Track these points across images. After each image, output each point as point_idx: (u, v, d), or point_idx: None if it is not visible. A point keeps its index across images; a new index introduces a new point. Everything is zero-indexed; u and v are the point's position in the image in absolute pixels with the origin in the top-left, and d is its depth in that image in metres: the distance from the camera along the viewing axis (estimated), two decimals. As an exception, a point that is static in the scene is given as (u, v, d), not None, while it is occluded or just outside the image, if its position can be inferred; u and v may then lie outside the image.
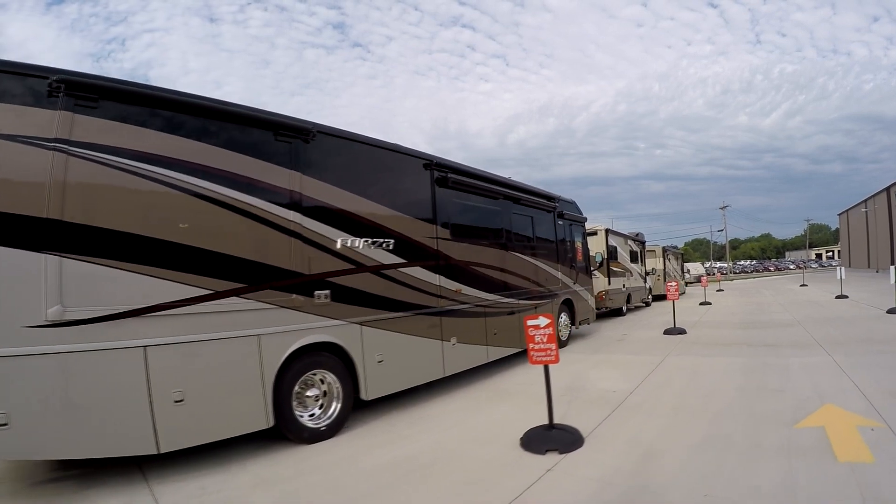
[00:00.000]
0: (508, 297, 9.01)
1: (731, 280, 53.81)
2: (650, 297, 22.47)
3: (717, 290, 30.68)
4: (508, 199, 9.43)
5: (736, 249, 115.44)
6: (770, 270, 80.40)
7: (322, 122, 5.71)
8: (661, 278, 24.47)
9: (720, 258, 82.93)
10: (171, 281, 4.32)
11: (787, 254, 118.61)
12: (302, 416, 5.26)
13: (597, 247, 16.33)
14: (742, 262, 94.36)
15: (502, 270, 8.95)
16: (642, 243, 21.42)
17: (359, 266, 5.94)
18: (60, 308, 3.77)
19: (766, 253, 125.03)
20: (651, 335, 12.43)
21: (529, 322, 4.90)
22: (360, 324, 5.84)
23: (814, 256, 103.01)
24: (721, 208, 72.42)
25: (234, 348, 4.64)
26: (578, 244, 12.52)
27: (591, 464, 4.31)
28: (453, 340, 7.42)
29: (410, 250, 6.72)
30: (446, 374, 7.28)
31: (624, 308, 18.37)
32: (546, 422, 4.98)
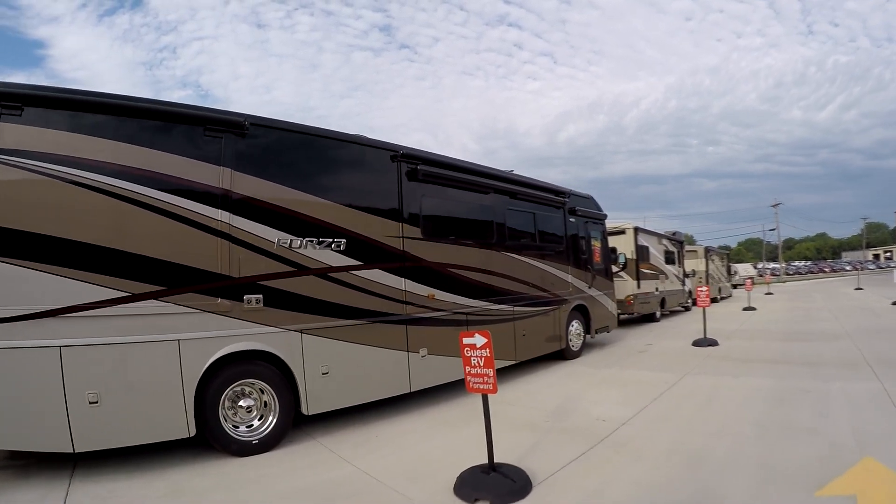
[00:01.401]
0: (500, 304, 8.04)
1: (784, 282, 50.52)
2: (690, 301, 20.77)
3: (766, 294, 28.58)
4: (502, 193, 8.43)
5: (790, 249, 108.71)
6: (825, 272, 75.61)
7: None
8: (703, 281, 22.64)
9: (773, 259, 77.95)
10: (87, 282, 4.23)
11: (842, 254, 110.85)
12: (236, 427, 4.99)
13: (624, 247, 14.98)
14: (796, 262, 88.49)
15: (492, 274, 7.98)
16: (680, 243, 19.74)
17: (300, 268, 5.43)
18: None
19: (822, 253, 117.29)
20: (678, 346, 11.11)
21: (465, 340, 4.05)
22: (300, 332, 5.35)
23: (871, 257, 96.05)
24: (773, 206, 67.84)
25: (151, 352, 4.46)
26: (596, 244, 11.30)
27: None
28: (423, 352, 6.61)
29: (367, 251, 6.08)
30: (413, 389, 6.52)
31: (657, 313, 16.90)
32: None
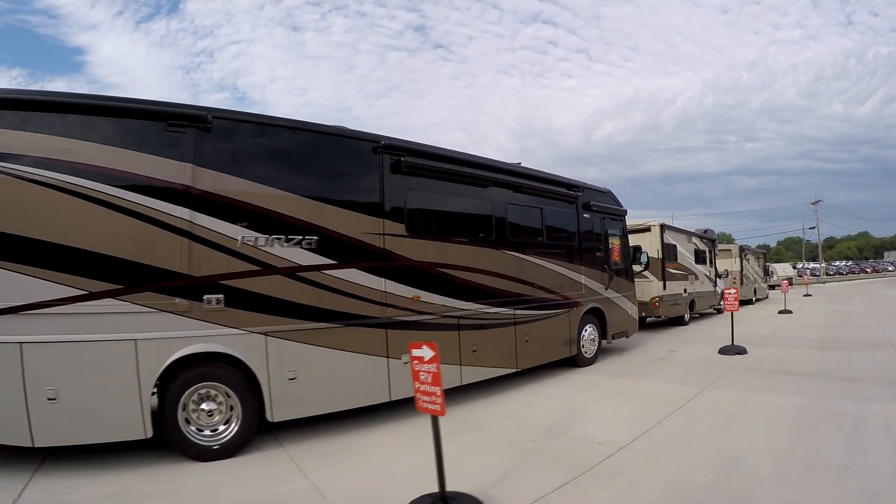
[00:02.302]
0: (499, 307, 7.43)
1: (824, 283, 48.14)
2: (723, 302, 19.57)
3: (805, 296, 27.04)
4: (503, 186, 7.81)
5: (831, 249, 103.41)
6: (866, 272, 71.93)
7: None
8: (738, 281, 21.37)
9: (814, 258, 74.18)
10: (46, 280, 4.22)
11: (885, 254, 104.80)
12: (200, 431, 4.82)
13: (650, 245, 14.08)
14: (837, 262, 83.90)
15: (490, 274, 7.38)
16: (712, 241, 18.57)
17: (265, 267, 5.13)
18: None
19: (864, 253, 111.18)
20: (703, 353, 10.25)
21: (413, 351, 3.54)
22: (265, 334, 5.07)
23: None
24: (813, 203, 64.39)
25: (108, 351, 4.40)
26: (615, 242, 10.52)
27: None
28: (406, 358, 5.98)
29: (342, 249, 5.70)
30: (395, 398, 6.02)
31: (686, 316, 15.90)
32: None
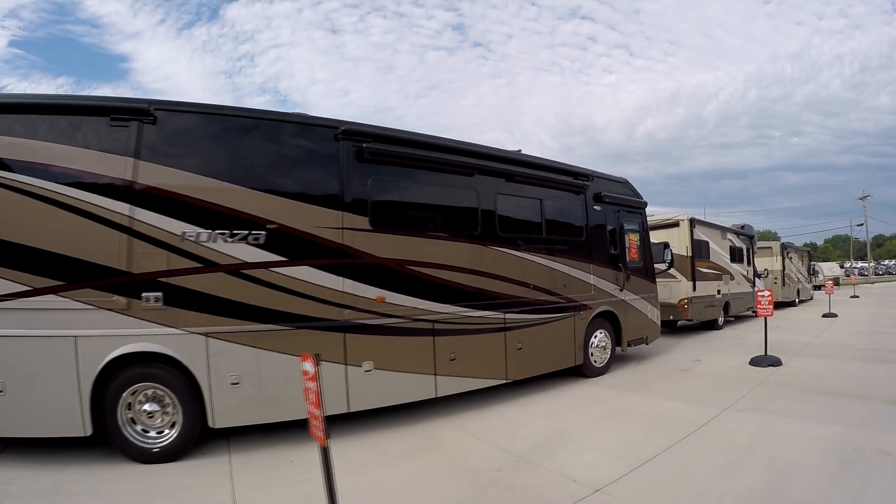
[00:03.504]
0: (483, 311, 6.64)
1: (872, 283, 45.11)
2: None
3: (851, 297, 25.05)
4: (491, 175, 6.98)
5: (880, 247, 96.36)
6: (919, 272, 66.37)
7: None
8: (779, 281, 19.71)
9: (862, 257, 69.40)
10: None
11: None
12: (146, 432, 4.74)
13: (678, 242, 12.91)
14: (886, 261, 78.09)
15: (474, 273, 6.61)
16: (750, 237, 17.03)
17: (207, 264, 4.87)
18: None
19: None
20: (732, 364, 9.12)
21: (303, 365, 2.95)
22: (206, 335, 4.81)
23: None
24: (860, 199, 60.04)
25: (49, 347, 4.40)
26: (632, 238, 9.48)
27: None
28: (367, 366, 5.54)
29: (293, 245, 5.25)
30: (353, 410, 5.49)
31: (719, 320, 14.59)
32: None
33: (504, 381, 6.94)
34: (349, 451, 4.90)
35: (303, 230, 5.25)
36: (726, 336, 13.17)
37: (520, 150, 8.06)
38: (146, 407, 4.71)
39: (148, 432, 4.72)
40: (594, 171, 8.75)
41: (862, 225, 61.45)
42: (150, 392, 4.71)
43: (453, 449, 5.10)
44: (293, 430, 5.23)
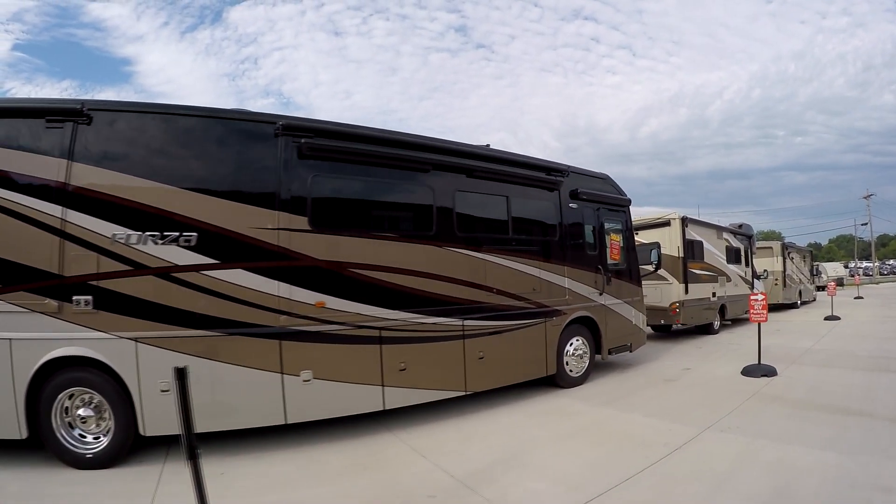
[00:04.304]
0: (438, 317, 6.07)
1: (877, 283, 44.29)
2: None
3: (855, 298, 24.27)
4: (449, 170, 6.42)
5: (885, 247, 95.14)
6: (924, 272, 65.06)
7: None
8: (780, 283, 18.90)
9: (866, 257, 68.31)
10: None
11: None
12: (83, 437, 4.68)
13: (669, 242, 12.18)
14: (891, 261, 76.81)
15: (426, 276, 6.03)
16: (748, 237, 16.23)
17: (137, 267, 4.71)
18: None
19: None
20: (723, 373, 8.41)
21: None
22: (135, 340, 4.66)
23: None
24: (864, 197, 59.00)
25: None
26: (614, 237, 8.78)
27: None
28: (307, 375, 5.17)
29: (225, 247, 4.98)
30: (291, 421, 5.16)
31: (715, 324, 13.82)
32: None
33: (463, 393, 6.31)
34: (283, 465, 4.71)
35: (236, 231, 4.97)
36: (721, 341, 12.42)
37: (488, 145, 7.40)
38: (81, 412, 4.64)
39: (86, 438, 4.66)
40: (569, 167, 8.05)
41: (866, 224, 60.54)
42: (86, 397, 4.64)
43: (393, 468, 4.63)
44: (235, 440, 5.08)
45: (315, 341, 5.22)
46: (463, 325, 6.27)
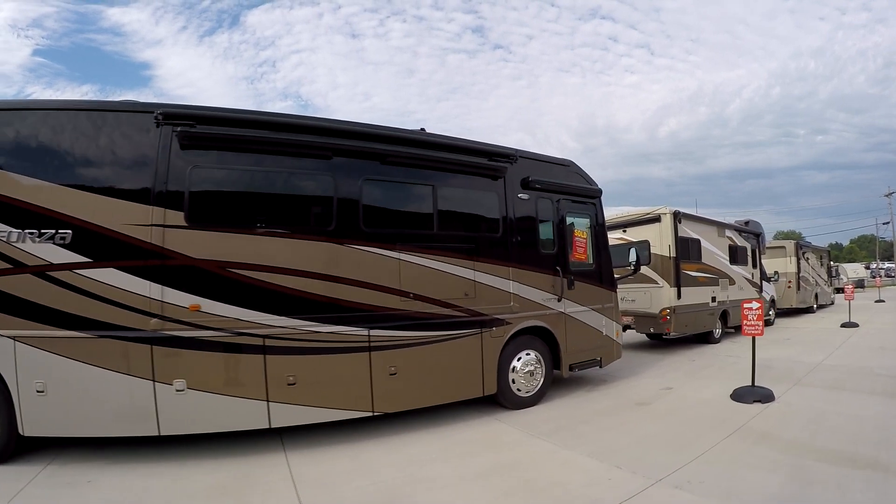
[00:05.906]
0: (337, 325, 5.25)
1: None
2: (772, 312, 15.68)
3: (876, 301, 22.59)
4: (357, 156, 5.59)
5: None
6: (950, 273, 61.92)
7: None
8: (793, 285, 17.27)
9: (888, 257, 65.16)
10: None
11: None
12: None
13: (660, 240, 10.82)
14: None
15: (322, 278, 5.27)
16: (757, 235, 14.67)
17: (17, 265, 4.61)
18: None
19: None
20: (708, 396, 7.08)
21: None
22: (13, 339, 4.57)
23: None
24: (886, 195, 56.05)
25: None
26: (580, 234, 7.52)
27: None
28: (179, 384, 4.83)
29: (98, 245, 4.76)
30: (164, 433, 4.82)
31: (715, 332, 12.37)
32: None
33: (370, 414, 5.38)
34: (146, 480, 4.46)
35: (108, 228, 4.77)
36: (719, 353, 10.97)
37: (423, 129, 6.25)
38: None
39: None
40: (519, 151, 6.81)
41: (888, 223, 57.54)
42: None
43: (249, 497, 4.11)
44: (114, 449, 5.01)
45: (188, 348, 4.85)
46: (369, 336, 5.34)
